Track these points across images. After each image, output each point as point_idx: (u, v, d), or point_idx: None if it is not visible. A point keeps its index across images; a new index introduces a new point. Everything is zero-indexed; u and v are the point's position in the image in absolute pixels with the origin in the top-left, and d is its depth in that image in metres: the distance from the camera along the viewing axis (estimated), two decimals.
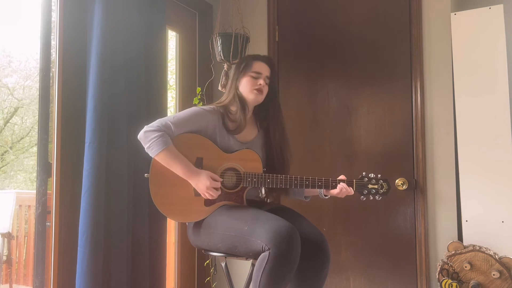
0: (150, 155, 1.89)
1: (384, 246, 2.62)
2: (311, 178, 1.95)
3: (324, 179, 1.95)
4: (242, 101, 2.05)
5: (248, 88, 2.04)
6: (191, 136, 1.96)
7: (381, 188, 1.97)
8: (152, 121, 1.94)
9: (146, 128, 1.90)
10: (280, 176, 1.96)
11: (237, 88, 2.07)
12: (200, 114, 1.98)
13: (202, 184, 1.87)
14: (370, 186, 1.97)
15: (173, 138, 1.90)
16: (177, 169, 1.89)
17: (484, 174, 2.32)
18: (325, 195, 2.04)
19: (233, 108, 2.05)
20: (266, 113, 2.12)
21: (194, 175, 1.89)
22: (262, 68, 2.07)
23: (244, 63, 2.09)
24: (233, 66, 2.22)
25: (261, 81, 2.04)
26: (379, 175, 1.99)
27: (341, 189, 1.94)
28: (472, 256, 2.24)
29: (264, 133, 2.13)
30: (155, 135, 1.86)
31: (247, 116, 2.05)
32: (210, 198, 1.89)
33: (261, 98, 2.06)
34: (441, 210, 2.50)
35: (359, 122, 2.72)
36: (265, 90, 2.07)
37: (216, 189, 1.89)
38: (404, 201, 2.59)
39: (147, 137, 1.87)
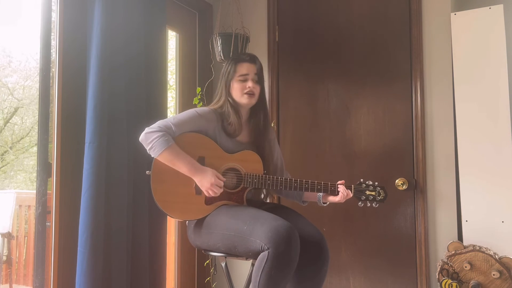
0: (153, 155, 1.88)
1: (384, 246, 2.62)
2: (311, 182, 1.96)
3: (323, 183, 1.96)
4: (234, 106, 2.03)
5: (239, 93, 2.01)
6: (193, 135, 1.97)
7: (379, 195, 1.99)
8: (152, 122, 1.93)
9: (146, 129, 1.89)
10: (280, 178, 1.96)
11: (228, 94, 2.04)
12: (201, 116, 1.98)
13: (207, 180, 1.87)
14: (368, 192, 1.99)
15: (175, 138, 1.90)
16: (181, 166, 1.88)
17: (484, 174, 2.32)
18: (324, 203, 2.04)
19: (227, 112, 2.02)
20: (260, 115, 2.09)
21: (199, 172, 1.88)
22: (247, 69, 2.02)
23: (228, 69, 2.05)
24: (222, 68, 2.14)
25: (249, 83, 2.01)
26: (376, 183, 2.00)
27: (342, 194, 1.94)
28: (472, 256, 2.24)
29: (257, 135, 2.10)
30: (156, 135, 1.85)
31: (241, 120, 2.04)
32: (213, 195, 1.89)
33: (254, 100, 2.03)
34: (441, 210, 2.50)
35: (359, 122, 2.72)
36: (256, 90, 2.03)
37: (219, 187, 1.89)
38: (404, 201, 2.59)
39: (148, 138, 1.86)
